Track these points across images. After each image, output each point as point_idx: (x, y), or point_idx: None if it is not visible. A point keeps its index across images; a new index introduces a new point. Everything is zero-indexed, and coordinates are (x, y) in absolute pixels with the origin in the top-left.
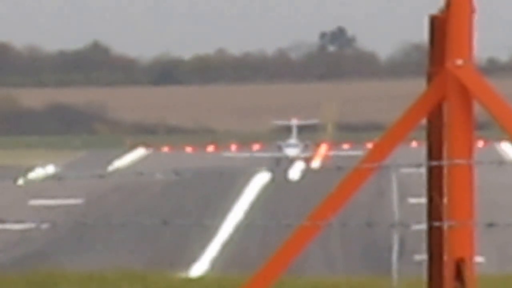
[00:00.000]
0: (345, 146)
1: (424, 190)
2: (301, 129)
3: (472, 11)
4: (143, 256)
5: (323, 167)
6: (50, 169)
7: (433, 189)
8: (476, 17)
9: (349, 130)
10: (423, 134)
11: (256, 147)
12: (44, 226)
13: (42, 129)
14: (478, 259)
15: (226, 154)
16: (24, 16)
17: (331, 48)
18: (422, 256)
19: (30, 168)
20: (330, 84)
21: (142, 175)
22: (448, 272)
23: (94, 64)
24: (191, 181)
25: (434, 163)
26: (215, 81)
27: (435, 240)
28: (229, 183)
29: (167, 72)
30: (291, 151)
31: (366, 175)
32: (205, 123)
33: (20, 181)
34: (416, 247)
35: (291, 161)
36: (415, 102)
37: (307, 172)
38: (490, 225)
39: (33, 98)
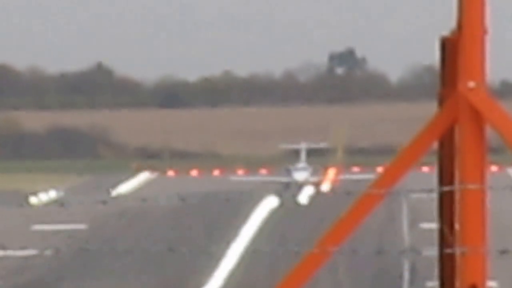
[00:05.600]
0: (355, 170)
1: (435, 215)
2: (310, 153)
3: (484, 32)
4: (148, 283)
5: (332, 191)
6: (53, 194)
7: (444, 215)
8: (489, 39)
9: (359, 154)
10: (435, 158)
11: (263, 171)
12: (47, 252)
13: (44, 153)
14: (491, 284)
15: (233, 178)
16: (26, 37)
17: (340, 70)
18: (434, 283)
19: (33, 193)
20: (339, 107)
21: (147, 201)
22: None
23: (98, 87)
24: (197, 206)
25: (446, 188)
26: (221, 103)
27: (447, 266)
28: (236, 208)
29: (172, 95)
30: (300, 175)
31: (376, 200)
32: (211, 147)
33: (23, 206)
34: (428, 274)
35: (300, 185)
36: (426, 126)
37: (316, 196)
38: (504, 252)
39: (35, 121)
